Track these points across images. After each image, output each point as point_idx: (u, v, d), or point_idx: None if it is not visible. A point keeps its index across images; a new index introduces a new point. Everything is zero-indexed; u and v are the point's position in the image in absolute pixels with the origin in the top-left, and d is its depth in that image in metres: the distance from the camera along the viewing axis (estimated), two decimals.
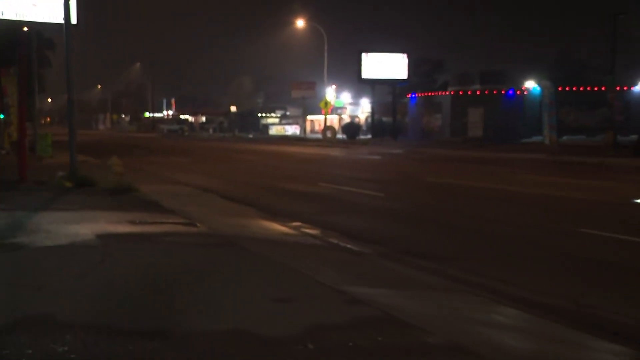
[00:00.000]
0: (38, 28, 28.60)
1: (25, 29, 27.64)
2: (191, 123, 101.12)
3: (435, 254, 9.18)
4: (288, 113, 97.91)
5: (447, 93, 53.51)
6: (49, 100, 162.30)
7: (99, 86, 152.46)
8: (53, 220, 10.14)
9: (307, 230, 10.92)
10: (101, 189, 14.84)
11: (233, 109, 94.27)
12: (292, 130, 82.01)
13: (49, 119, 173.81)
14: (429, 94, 56.76)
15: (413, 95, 58.07)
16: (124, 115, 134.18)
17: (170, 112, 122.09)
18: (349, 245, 9.66)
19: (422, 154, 35.70)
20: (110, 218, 10.51)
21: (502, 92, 50.18)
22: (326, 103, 55.83)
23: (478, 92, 50.64)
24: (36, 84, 30.02)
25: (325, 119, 58.00)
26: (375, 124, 58.55)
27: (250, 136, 74.03)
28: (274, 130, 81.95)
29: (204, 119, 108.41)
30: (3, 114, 28.79)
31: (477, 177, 20.91)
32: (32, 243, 8.23)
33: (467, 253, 9.31)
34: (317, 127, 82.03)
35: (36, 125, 30.18)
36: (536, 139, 43.07)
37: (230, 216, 12.03)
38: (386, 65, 55.81)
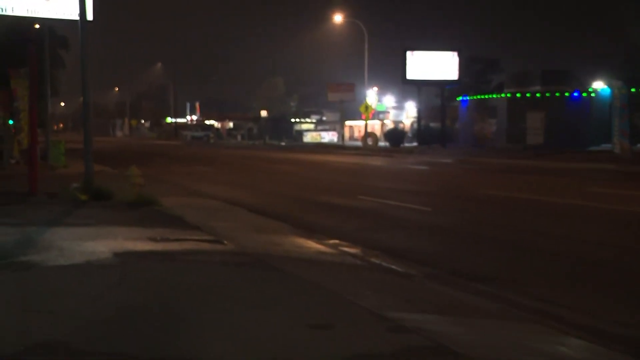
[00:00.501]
0: (51, 25, 29.19)
1: (37, 26, 28.24)
2: (217, 129, 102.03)
3: (490, 275, 9.09)
4: (324, 118, 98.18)
5: (503, 95, 53.13)
6: (62, 104, 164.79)
7: (117, 89, 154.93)
8: (67, 236, 10.28)
9: (346, 249, 10.90)
10: (119, 202, 15.03)
11: (263, 113, 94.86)
12: (329, 137, 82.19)
13: (62, 125, 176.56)
14: (483, 97, 56.42)
15: (464, 98, 57.78)
16: (143, 121, 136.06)
17: (195, 117, 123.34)
18: (392, 266, 9.61)
19: (475, 163, 35.46)
20: (128, 234, 10.62)
21: (566, 94, 49.63)
22: (367, 107, 55.85)
23: (538, 95, 50.15)
24: (48, 86, 30.60)
25: (366, 125, 58.03)
26: (421, 130, 58.36)
27: (283, 144, 74.38)
28: (308, 137, 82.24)
29: (231, 124, 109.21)
30: (12, 119, 29.37)
31: (537, 189, 20.67)
32: (44, 262, 8.35)
33: (527, 275, 9.19)
34: (356, 134, 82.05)
35: (48, 131, 30.83)
36: (605, 146, 42.44)
37: (261, 232, 12.07)
38: (434, 64, 55.64)
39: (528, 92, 50.76)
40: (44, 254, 8.85)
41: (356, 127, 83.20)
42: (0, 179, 22.65)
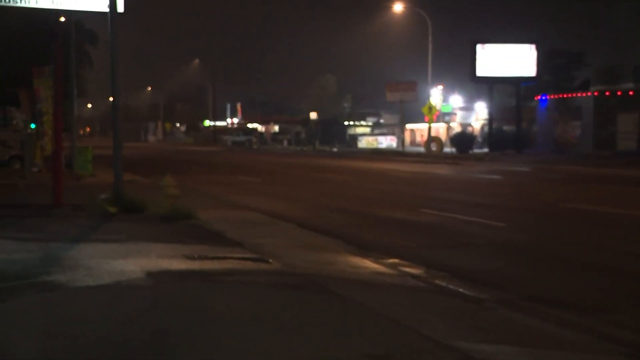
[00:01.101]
0: (78, 18, 29.79)
1: (62, 19, 28.83)
2: (261, 133, 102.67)
3: (574, 302, 8.95)
4: (382, 121, 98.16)
5: (588, 94, 52.40)
6: (89, 106, 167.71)
7: (149, 88, 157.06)
8: (94, 253, 10.46)
9: (408, 269, 10.86)
10: (152, 216, 15.21)
11: (313, 115, 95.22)
12: (387, 142, 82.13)
13: (88, 129, 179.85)
14: (565, 96, 55.73)
15: (543, 97, 57.15)
16: (178, 124, 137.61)
17: (236, 120, 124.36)
18: (460, 289, 9.54)
19: (555, 172, 35.04)
20: (163, 251, 10.76)
21: None
22: (430, 108, 55.64)
23: (631, 93, 49.27)
24: (74, 86, 31.27)
25: (429, 128, 57.82)
26: (493, 134, 57.86)
27: (335, 150, 74.56)
28: (363, 143, 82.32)
29: (276, 128, 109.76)
30: (34, 122, 29.98)
31: (628, 203, 20.32)
32: (69, 282, 8.49)
33: (619, 303, 9.03)
34: (418, 139, 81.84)
35: (74, 136, 31.41)
36: None
37: (311, 250, 12.10)
38: (508, 59, 55.17)
39: (619, 90, 49.95)
40: (69, 273, 9.01)
41: (418, 130, 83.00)
42: (22, 190, 23.15)
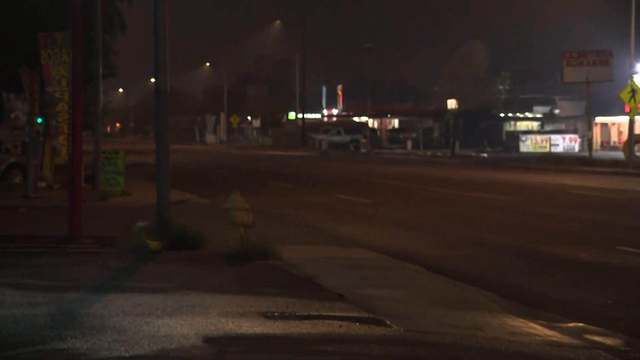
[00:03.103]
0: None
1: None
2: (373, 130, 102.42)
3: None
4: (557, 111, 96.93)
5: None
6: (120, 91, 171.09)
7: (207, 64, 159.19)
8: (128, 309, 10.59)
9: (599, 339, 10.68)
10: (212, 254, 15.33)
11: (452, 104, 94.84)
12: (565, 143, 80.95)
13: (119, 125, 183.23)
14: None
15: None
16: (250, 118, 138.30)
17: (335, 112, 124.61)
18: None
19: None
20: (228, 307, 10.82)
21: None
22: (634, 92, 54.64)
23: None
24: (100, 60, 31.57)
25: (632, 123, 56.71)
26: None
27: (485, 155, 73.87)
28: (528, 144, 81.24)
29: (396, 123, 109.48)
30: (43, 115, 30.33)
31: None
32: (91, 351, 8.60)
33: None
34: (614, 138, 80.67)
35: (98, 135, 31.49)
36: None
37: (448, 307, 12.01)
38: None
39: None
40: (92, 338, 9.12)
41: (614, 126, 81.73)
42: (24, 215, 23.67)
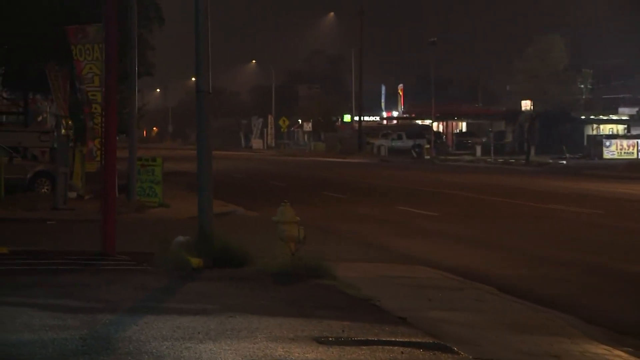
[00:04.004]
0: None
1: None
2: (437, 134, 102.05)
3: None
4: None
5: None
6: (158, 91, 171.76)
7: (254, 61, 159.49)
8: (167, 332, 10.67)
9: None
10: (260, 272, 15.37)
11: (526, 104, 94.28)
12: None
13: (156, 129, 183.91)
14: None
15: None
16: (300, 120, 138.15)
17: (395, 114, 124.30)
18: None
19: None
20: (277, 330, 10.88)
21: None
22: None
23: None
24: (136, 58, 31.74)
25: None
26: None
27: (563, 162, 73.39)
28: (613, 150, 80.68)
29: (462, 126, 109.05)
30: (75, 116, 30.22)
31: None
32: None
33: None
34: None
35: (134, 140, 31.62)
36: None
37: (522, 332, 11.99)
38: None
39: None
40: None
41: None
42: (53, 229, 23.81)
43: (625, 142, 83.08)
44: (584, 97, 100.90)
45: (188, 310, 12.14)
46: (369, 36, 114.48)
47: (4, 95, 53.00)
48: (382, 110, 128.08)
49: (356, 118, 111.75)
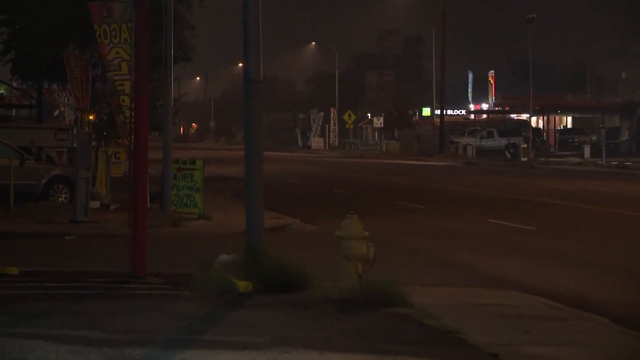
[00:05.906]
0: None
1: None
2: (537, 132, 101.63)
3: None
4: None
5: None
6: (198, 79, 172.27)
7: (313, 44, 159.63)
8: None
9: None
10: (320, 298, 15.45)
11: None
12: None
13: (195, 126, 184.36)
14: None
15: None
16: (370, 115, 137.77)
17: (485, 106, 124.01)
18: None
19: None
20: None
21: None
22: None
23: None
24: (172, 40, 31.77)
25: None
26: None
27: None
28: None
29: (567, 121, 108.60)
30: (98, 110, 30.16)
31: None
32: None
33: None
34: None
35: (168, 138, 31.50)
36: None
37: None
38: None
39: None
40: None
41: None
42: (73, 245, 23.96)
43: None
44: None
45: (234, 343, 12.25)
46: (452, 14, 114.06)
47: (14, 84, 52.97)
48: (469, 103, 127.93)
49: (437, 112, 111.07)
